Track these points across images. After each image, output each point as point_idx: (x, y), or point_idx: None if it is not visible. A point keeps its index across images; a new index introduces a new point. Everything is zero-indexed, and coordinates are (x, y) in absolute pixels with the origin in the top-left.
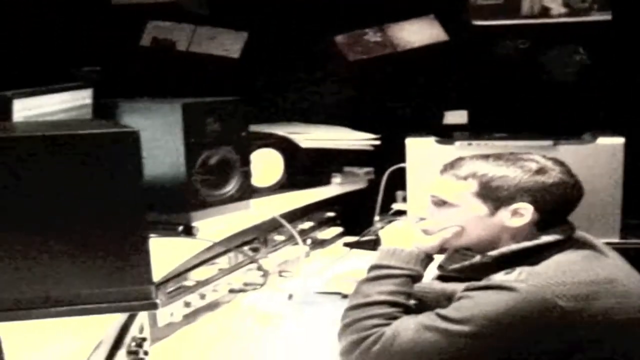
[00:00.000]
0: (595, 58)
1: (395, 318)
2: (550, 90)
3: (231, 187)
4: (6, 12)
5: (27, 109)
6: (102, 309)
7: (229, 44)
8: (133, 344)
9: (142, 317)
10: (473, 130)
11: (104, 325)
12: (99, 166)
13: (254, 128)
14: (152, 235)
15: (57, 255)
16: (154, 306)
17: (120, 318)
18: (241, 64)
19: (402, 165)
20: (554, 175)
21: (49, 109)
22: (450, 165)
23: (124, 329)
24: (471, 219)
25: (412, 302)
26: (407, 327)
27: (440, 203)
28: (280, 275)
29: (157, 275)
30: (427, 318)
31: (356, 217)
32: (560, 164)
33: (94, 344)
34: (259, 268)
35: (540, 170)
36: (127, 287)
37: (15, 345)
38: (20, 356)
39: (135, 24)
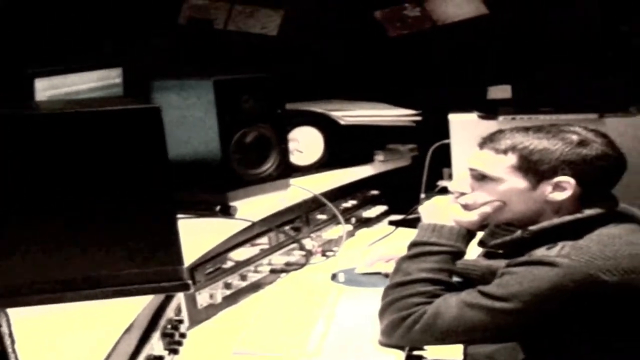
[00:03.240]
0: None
1: (437, 296)
2: (593, 63)
3: (269, 166)
4: None
5: (52, 88)
6: (131, 290)
7: (266, 22)
8: (169, 326)
9: (180, 299)
10: (517, 105)
11: (136, 309)
12: (121, 144)
13: (292, 106)
14: (189, 215)
15: (82, 236)
16: (186, 287)
17: (154, 301)
18: (279, 41)
19: (446, 141)
20: (596, 147)
21: (76, 88)
22: (490, 139)
23: (159, 311)
24: (512, 193)
25: (454, 279)
26: (450, 305)
27: (480, 177)
28: (324, 255)
29: (194, 256)
30: (470, 295)
31: (401, 195)
32: (603, 135)
33: (124, 327)
34: (301, 248)
35: (582, 142)
36: (156, 267)
37: (40, 332)
38: (48, 342)
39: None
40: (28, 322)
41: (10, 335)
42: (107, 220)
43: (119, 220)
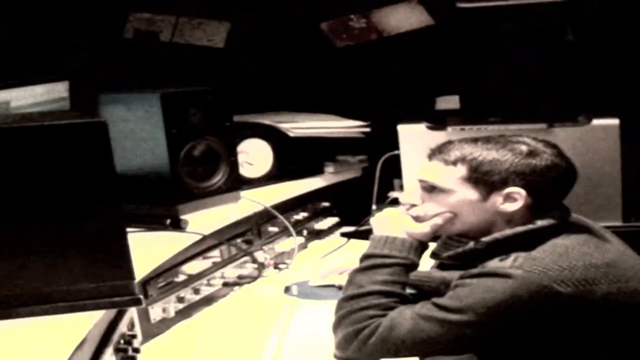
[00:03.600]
0: (584, 37)
1: (391, 308)
2: (542, 73)
3: (219, 179)
4: None
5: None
6: (82, 306)
7: (213, 34)
8: (122, 341)
9: (132, 313)
10: (466, 116)
11: (87, 324)
12: (67, 158)
13: (240, 118)
14: (139, 229)
15: (30, 251)
16: (138, 302)
17: (106, 315)
18: (226, 53)
19: (396, 152)
20: (545, 157)
21: (19, 102)
22: (439, 150)
23: (112, 326)
24: (463, 205)
25: (408, 291)
26: (404, 317)
27: (430, 189)
28: (276, 268)
29: (146, 269)
30: (424, 308)
31: (352, 206)
32: (552, 146)
33: (76, 343)
34: (254, 260)
35: (532, 153)
36: (107, 282)
37: None
38: None
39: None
40: None
41: None
42: (55, 235)
43: (67, 235)
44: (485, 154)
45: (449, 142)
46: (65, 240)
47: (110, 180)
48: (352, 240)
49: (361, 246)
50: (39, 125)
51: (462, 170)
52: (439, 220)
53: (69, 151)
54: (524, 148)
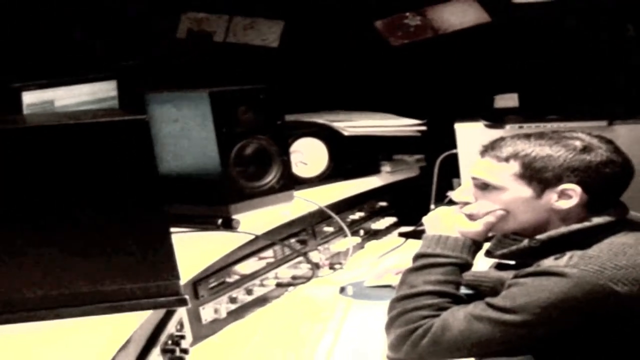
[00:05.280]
0: None
1: (444, 309)
2: (602, 69)
3: (271, 178)
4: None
5: (43, 101)
6: (125, 306)
7: (266, 33)
8: (169, 342)
9: (182, 313)
10: (524, 114)
11: (132, 324)
12: (108, 156)
13: (294, 117)
14: (191, 229)
15: (73, 250)
16: (183, 302)
17: (154, 315)
18: (280, 52)
19: (454, 151)
20: (600, 153)
21: (67, 101)
22: (491, 147)
23: (160, 327)
24: (516, 202)
25: (464, 291)
26: (457, 317)
27: (483, 186)
28: (331, 268)
29: (197, 269)
30: (477, 308)
31: (410, 206)
32: (608, 141)
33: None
34: (308, 261)
35: (586, 149)
36: (152, 283)
37: (29, 351)
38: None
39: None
40: (16, 339)
41: None
42: (98, 235)
43: (110, 234)
44: (539, 149)
45: (501, 139)
46: (108, 239)
47: (152, 179)
48: (410, 240)
49: (419, 246)
50: (79, 124)
51: (514, 166)
52: (492, 219)
53: (109, 149)
54: (578, 144)
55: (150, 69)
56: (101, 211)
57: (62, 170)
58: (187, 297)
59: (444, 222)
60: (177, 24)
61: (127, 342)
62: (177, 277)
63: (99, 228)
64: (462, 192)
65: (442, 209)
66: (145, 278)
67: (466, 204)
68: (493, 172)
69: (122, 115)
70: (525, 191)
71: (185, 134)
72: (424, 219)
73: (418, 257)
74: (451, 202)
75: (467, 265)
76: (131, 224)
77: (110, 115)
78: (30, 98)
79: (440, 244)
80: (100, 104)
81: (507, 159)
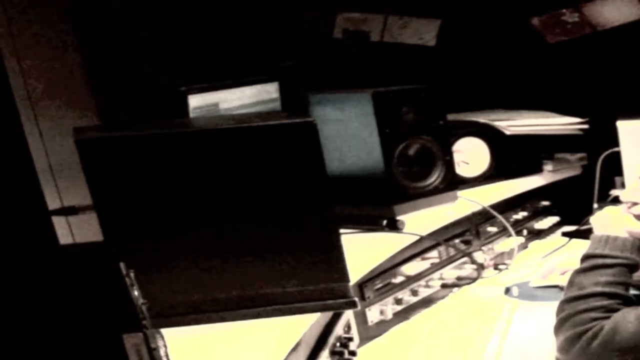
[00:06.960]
0: None
1: (614, 310)
2: None
3: (434, 178)
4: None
5: (208, 104)
6: (293, 309)
7: (423, 32)
8: (338, 344)
9: (349, 315)
10: None
11: (303, 326)
12: (278, 159)
13: (454, 117)
14: (355, 230)
15: (244, 253)
16: (353, 304)
17: (322, 318)
18: (437, 52)
19: (616, 149)
20: None
21: (230, 104)
22: None
23: (328, 329)
24: None
25: (633, 292)
26: (628, 319)
27: None
28: (496, 269)
29: (363, 271)
30: None
31: (573, 205)
32: None
33: (291, 345)
34: (473, 261)
35: None
36: (321, 285)
37: (199, 353)
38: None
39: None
40: (186, 342)
41: (167, 356)
42: (268, 237)
43: (280, 237)
44: None
45: None
46: (278, 242)
47: (321, 181)
48: (574, 240)
49: (583, 246)
50: (250, 127)
51: None
52: None
53: (278, 152)
54: None
55: (308, 69)
56: (273, 214)
57: (233, 173)
58: (356, 299)
59: (612, 222)
60: (333, 24)
61: (298, 344)
62: (347, 280)
63: (271, 231)
64: (630, 192)
65: (610, 208)
66: (315, 280)
67: (634, 204)
68: None
69: (289, 118)
70: None
71: (347, 134)
72: (592, 219)
73: (586, 257)
74: (614, 201)
75: (636, 266)
76: (302, 226)
77: (278, 117)
78: (196, 101)
79: (609, 244)
80: (262, 105)
81: None
